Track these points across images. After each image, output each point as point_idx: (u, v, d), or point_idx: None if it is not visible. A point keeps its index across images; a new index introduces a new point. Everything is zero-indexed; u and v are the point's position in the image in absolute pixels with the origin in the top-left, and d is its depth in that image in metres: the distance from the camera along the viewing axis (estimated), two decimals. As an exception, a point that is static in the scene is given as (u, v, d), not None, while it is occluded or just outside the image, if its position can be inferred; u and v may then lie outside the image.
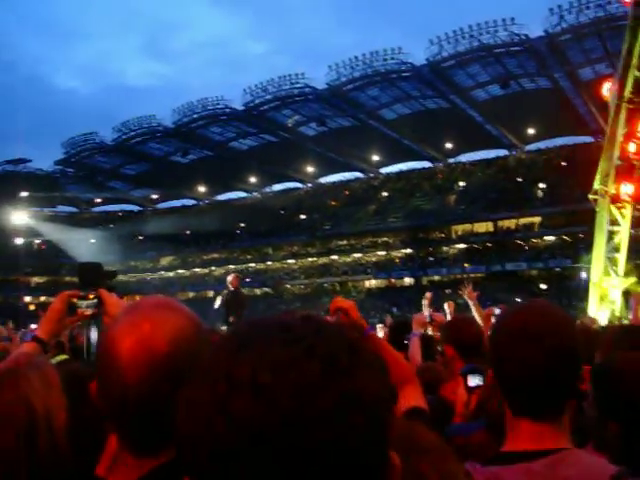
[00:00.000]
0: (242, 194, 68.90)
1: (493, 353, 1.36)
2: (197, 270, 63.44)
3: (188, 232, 62.63)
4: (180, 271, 64.49)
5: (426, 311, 6.18)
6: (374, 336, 2.22)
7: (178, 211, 68.68)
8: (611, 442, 1.59)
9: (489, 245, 50.38)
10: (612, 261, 16.44)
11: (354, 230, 55.54)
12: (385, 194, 59.24)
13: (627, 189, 15.57)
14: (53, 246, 60.99)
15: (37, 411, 1.32)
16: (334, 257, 57.06)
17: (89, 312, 2.14)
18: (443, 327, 3.87)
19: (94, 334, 2.36)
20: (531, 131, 50.11)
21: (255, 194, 68.20)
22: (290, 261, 59.49)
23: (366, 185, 62.33)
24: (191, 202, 71.55)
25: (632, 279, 16.32)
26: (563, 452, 1.22)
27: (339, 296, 2.38)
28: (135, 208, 73.78)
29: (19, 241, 49.32)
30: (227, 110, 50.03)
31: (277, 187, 67.37)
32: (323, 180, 65.10)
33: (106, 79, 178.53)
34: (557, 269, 44.87)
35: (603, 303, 16.20)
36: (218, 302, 10.80)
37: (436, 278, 50.42)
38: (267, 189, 67.76)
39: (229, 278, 11.04)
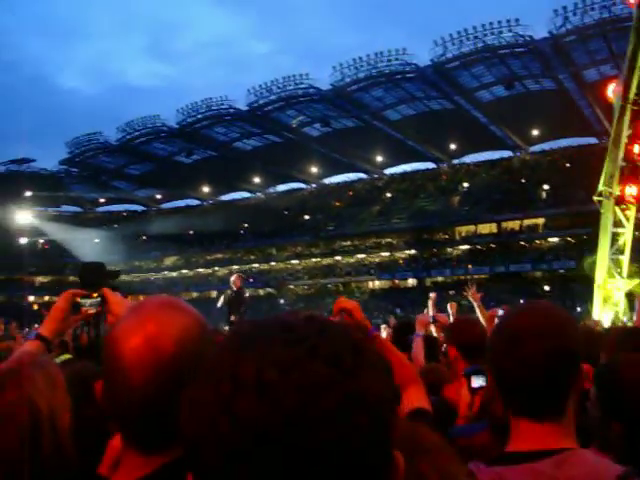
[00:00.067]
0: (246, 194, 69.00)
1: (493, 352, 1.36)
2: (201, 270, 63.44)
3: (192, 232, 62.67)
4: (184, 271, 64.50)
5: (431, 311, 6.19)
6: (378, 337, 2.21)
7: (182, 211, 68.77)
8: (614, 442, 1.59)
9: (493, 246, 50.28)
10: (616, 263, 16.41)
11: (358, 231, 55.49)
12: (389, 195, 59.21)
13: (632, 191, 15.58)
14: (57, 246, 61.07)
15: (41, 411, 1.31)
16: (338, 258, 57.02)
17: (93, 311, 2.13)
18: (446, 328, 3.87)
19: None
20: (535, 132, 50.03)
21: (259, 194, 68.23)
22: (294, 261, 59.50)
23: (370, 186, 62.30)
24: (195, 202, 71.62)
25: (636, 281, 16.29)
26: (568, 452, 1.22)
27: (343, 297, 2.35)
28: (139, 208, 73.98)
29: (23, 241, 49.36)
30: (231, 110, 50.07)
31: (281, 187, 67.50)
32: (327, 181, 65.16)
33: (109, 79, 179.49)
34: (561, 271, 44.65)
35: (607, 305, 16.18)
36: (221, 301, 10.86)
37: (440, 279, 50.30)
38: (271, 189, 67.77)
39: (232, 278, 11.11)
